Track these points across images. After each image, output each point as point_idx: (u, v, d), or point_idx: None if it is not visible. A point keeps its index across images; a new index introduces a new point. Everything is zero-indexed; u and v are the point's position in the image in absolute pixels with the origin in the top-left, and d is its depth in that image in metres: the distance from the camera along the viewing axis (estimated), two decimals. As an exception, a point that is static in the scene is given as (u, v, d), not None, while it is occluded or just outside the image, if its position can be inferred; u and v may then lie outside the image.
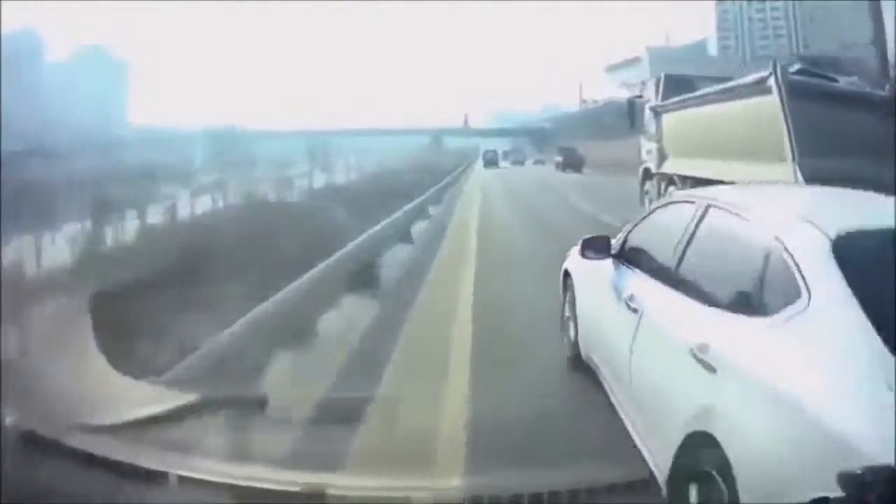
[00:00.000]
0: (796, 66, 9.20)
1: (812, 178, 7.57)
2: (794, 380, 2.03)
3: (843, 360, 2.00)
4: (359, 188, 20.18)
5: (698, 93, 11.18)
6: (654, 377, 2.94)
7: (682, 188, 11.26)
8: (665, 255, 3.26)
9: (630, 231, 3.98)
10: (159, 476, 2.58)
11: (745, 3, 59.29)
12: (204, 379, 3.71)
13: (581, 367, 4.31)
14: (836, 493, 1.63)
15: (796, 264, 2.31)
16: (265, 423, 3.50)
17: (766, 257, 2.47)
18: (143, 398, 3.38)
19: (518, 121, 65.07)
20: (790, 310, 2.22)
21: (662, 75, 13.53)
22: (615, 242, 4.03)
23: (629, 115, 15.00)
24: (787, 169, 8.10)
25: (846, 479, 1.62)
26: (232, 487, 2.55)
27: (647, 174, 13.56)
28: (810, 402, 1.92)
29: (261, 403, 3.67)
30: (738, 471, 2.02)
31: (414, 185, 18.75)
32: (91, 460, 2.64)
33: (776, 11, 58.74)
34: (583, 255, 4.18)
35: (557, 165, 38.79)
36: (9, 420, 2.66)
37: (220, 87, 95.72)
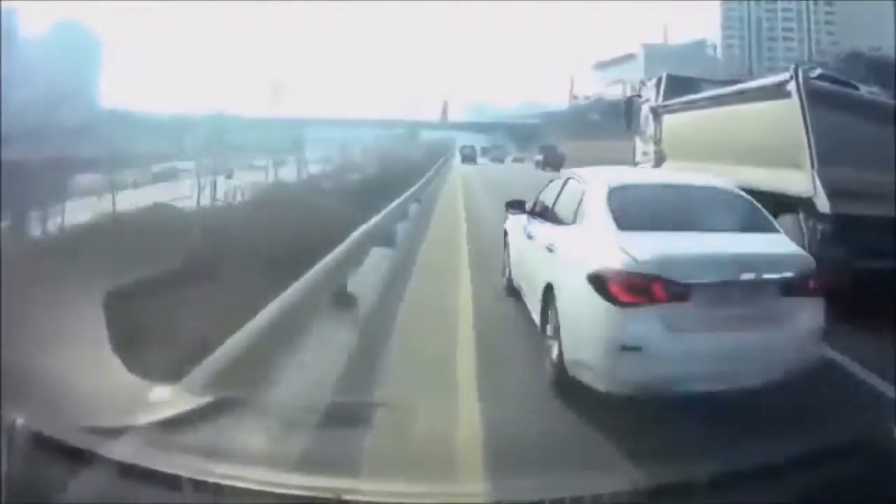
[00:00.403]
0: (817, 71, 9.00)
1: (832, 188, 7.73)
2: (578, 249, 4.97)
3: (598, 237, 4.84)
4: (312, 190, 18.66)
5: (707, 94, 11.08)
6: (534, 266, 5.94)
7: None
8: (547, 205, 6.36)
9: (537, 197, 6.89)
10: (171, 479, 2.64)
11: (753, 2, 58.96)
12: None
13: (511, 292, 7.34)
14: (591, 291, 4.32)
15: (590, 201, 5.27)
16: (279, 426, 3.72)
17: (581, 199, 5.44)
18: (154, 400, 3.46)
19: (496, 116, 64.65)
20: (582, 221, 5.25)
21: (665, 75, 13.36)
22: (529, 204, 6.92)
23: (626, 115, 14.95)
24: (805, 177, 8.03)
25: (592, 278, 4.35)
26: (245, 491, 2.62)
27: None
28: (583, 256, 4.74)
29: (273, 406, 4.02)
30: (558, 294, 4.93)
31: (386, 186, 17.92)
32: (101, 463, 2.70)
33: (788, 13, 58.44)
34: (507, 210, 7.39)
35: (537, 164, 40.55)
36: (18, 421, 2.71)
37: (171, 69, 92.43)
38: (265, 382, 4.25)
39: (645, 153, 13.26)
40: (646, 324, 4.12)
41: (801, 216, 8.05)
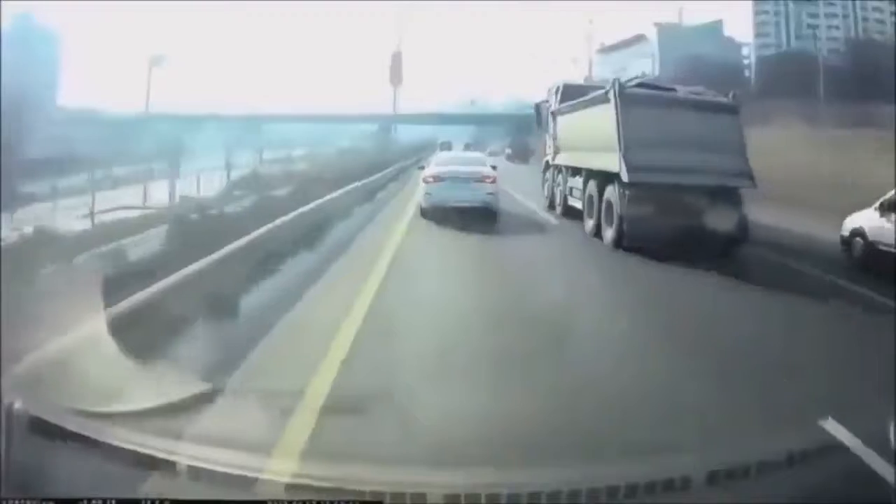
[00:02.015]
0: (636, 80, 14.25)
1: (630, 164, 12.57)
2: (424, 172, 18.12)
3: (430, 168, 18.18)
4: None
5: (577, 100, 16.43)
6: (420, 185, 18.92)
7: (566, 176, 17.13)
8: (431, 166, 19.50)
9: (429, 163, 20.13)
10: (167, 464, 2.94)
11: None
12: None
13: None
14: (423, 182, 17.49)
15: (432, 159, 21.10)
16: (275, 414, 4.09)
17: (433, 159, 20.84)
18: (152, 386, 3.89)
19: (487, 110, 67.28)
20: (429, 166, 18.83)
21: (562, 83, 18.94)
22: (426, 165, 20.43)
23: (536, 118, 20.93)
24: (618, 158, 12.84)
25: (423, 178, 17.65)
26: (236, 477, 2.91)
27: (547, 165, 19.50)
28: (424, 174, 18.02)
29: (269, 395, 4.39)
30: (421, 186, 18.20)
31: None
32: (98, 447, 3.00)
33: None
34: (418, 168, 22.54)
35: (507, 156, 47.23)
36: (17, 406, 2.97)
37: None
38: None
39: (550, 147, 19.06)
40: (433, 187, 16.87)
41: (617, 185, 13.04)
